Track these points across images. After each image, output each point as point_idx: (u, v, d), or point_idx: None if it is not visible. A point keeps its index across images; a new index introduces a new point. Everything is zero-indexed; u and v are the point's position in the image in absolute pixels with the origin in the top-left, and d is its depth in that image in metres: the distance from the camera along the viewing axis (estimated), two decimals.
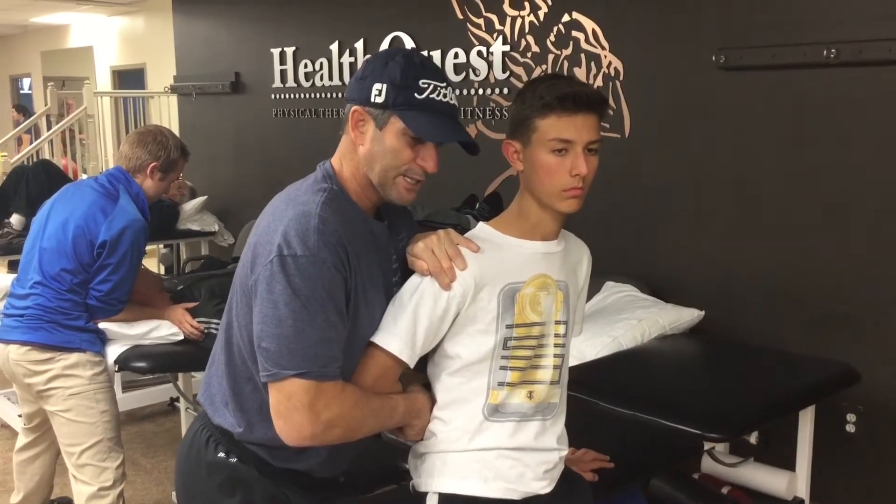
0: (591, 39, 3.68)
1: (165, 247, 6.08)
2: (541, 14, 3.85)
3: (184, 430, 3.72)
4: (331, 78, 4.94)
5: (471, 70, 4.16)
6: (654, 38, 3.48)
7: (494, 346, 1.56)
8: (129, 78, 10.13)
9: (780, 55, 3.03)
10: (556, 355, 1.62)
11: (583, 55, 3.71)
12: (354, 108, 1.55)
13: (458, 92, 4.12)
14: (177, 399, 4.33)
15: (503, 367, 1.57)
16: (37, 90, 12.41)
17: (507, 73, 4.03)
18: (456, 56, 4.21)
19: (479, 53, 4.12)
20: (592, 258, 1.76)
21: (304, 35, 5.13)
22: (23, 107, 11.76)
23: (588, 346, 2.89)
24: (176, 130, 5.13)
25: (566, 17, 3.75)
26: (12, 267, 5.40)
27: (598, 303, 3.30)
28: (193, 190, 5.64)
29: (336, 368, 1.47)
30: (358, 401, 1.51)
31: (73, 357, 2.80)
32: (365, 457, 1.73)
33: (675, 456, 2.50)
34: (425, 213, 3.43)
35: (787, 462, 2.74)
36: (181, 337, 3.11)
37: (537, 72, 3.88)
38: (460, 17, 4.19)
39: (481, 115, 4.14)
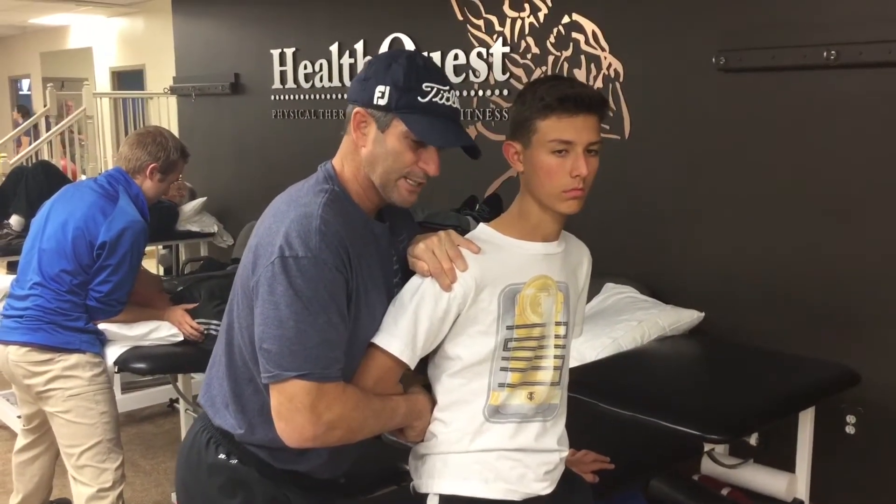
0: (591, 41, 3.68)
1: (165, 248, 6.08)
2: (541, 15, 3.85)
3: (183, 432, 3.72)
4: (331, 79, 4.94)
5: (471, 71, 4.16)
6: (654, 40, 3.48)
7: (495, 348, 1.56)
8: (128, 79, 10.13)
9: (780, 57, 3.03)
10: (556, 356, 1.63)
11: (583, 57, 3.71)
12: (357, 109, 1.55)
13: (458, 93, 4.14)
14: (176, 400, 4.33)
15: (504, 369, 1.58)
16: (36, 91, 12.40)
17: (507, 74, 4.03)
18: (456, 57, 4.21)
19: (479, 55, 4.12)
20: (592, 259, 1.76)
21: (303, 36, 5.13)
22: (23, 107, 11.75)
23: (588, 348, 2.89)
24: (175, 131, 5.13)
25: (566, 19, 3.75)
26: (11, 268, 5.39)
27: (598, 304, 3.30)
28: (193, 191, 5.63)
29: (337, 370, 1.47)
30: (359, 402, 1.51)
31: (73, 358, 2.80)
32: (366, 458, 1.73)
33: (674, 457, 2.50)
34: (425, 215, 3.43)
35: (786, 463, 2.74)
36: (181, 338, 3.11)
37: (537, 73, 3.88)
38: (460, 18, 4.19)
39: (481, 117, 4.14)
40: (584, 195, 1.56)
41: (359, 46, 4.76)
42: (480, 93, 4.15)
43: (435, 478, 1.61)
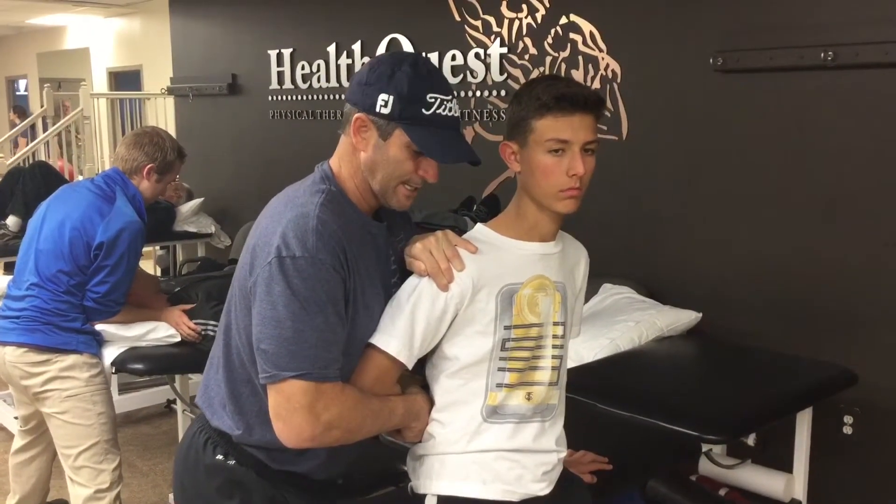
0: (589, 42, 3.68)
1: (162, 248, 6.08)
2: (538, 16, 3.85)
3: (181, 433, 3.72)
4: (328, 80, 4.94)
5: (468, 72, 4.16)
6: (652, 41, 3.48)
7: (492, 348, 1.56)
8: (125, 79, 10.11)
9: (778, 58, 3.04)
10: (554, 356, 1.63)
11: (580, 57, 3.71)
12: (358, 115, 1.54)
13: (455, 94, 4.14)
14: (173, 401, 4.33)
15: (501, 369, 1.57)
16: (33, 92, 12.38)
17: (505, 75, 4.03)
18: (453, 58, 4.21)
19: (477, 55, 4.12)
20: (590, 260, 1.76)
21: (301, 37, 5.13)
22: (20, 108, 11.73)
23: (586, 348, 2.89)
24: (172, 132, 5.13)
25: (564, 20, 3.75)
26: (8, 269, 5.39)
27: (596, 305, 3.30)
28: (190, 192, 5.63)
29: (335, 370, 1.47)
30: (357, 402, 1.51)
31: (70, 359, 2.80)
32: (363, 459, 1.73)
33: (672, 458, 2.50)
34: (423, 215, 3.42)
35: (784, 464, 2.74)
36: (178, 339, 3.10)
37: (535, 74, 3.88)
38: (458, 19, 4.19)
39: (479, 118, 4.14)
40: (580, 195, 1.57)
41: (356, 47, 4.76)
42: (478, 93, 4.15)
43: (433, 478, 1.61)
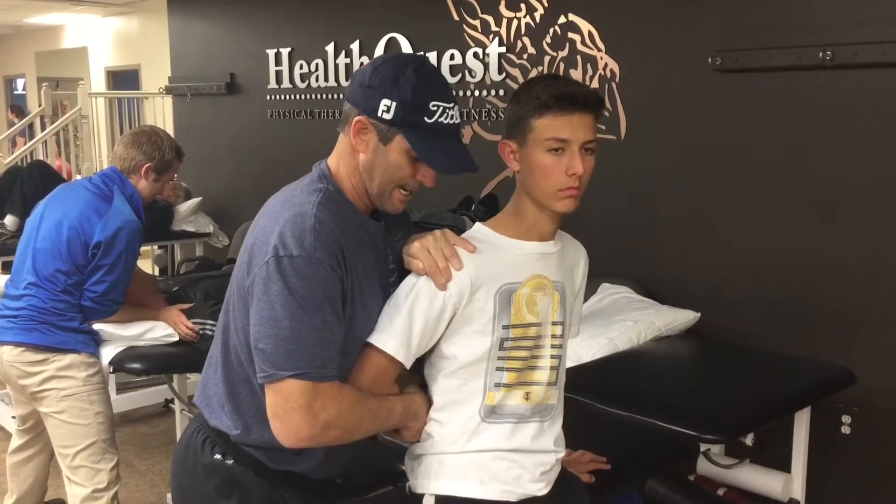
0: (588, 41, 3.68)
1: (160, 248, 6.07)
2: (537, 16, 3.85)
3: (178, 432, 3.72)
4: (326, 79, 4.94)
5: (467, 71, 4.16)
6: (651, 41, 3.48)
7: (491, 347, 1.56)
8: (123, 79, 10.12)
9: (776, 58, 3.04)
10: (552, 356, 1.62)
11: (579, 57, 3.71)
12: (358, 117, 1.53)
13: (454, 93, 4.14)
14: (171, 400, 4.33)
15: (500, 369, 1.57)
16: (31, 91, 12.38)
17: (504, 74, 4.03)
18: (452, 57, 4.21)
19: (476, 55, 4.12)
20: (589, 259, 1.76)
21: (299, 36, 5.12)
22: (18, 107, 11.72)
23: (584, 348, 2.89)
24: (171, 131, 5.11)
25: (562, 19, 3.75)
26: (6, 268, 5.38)
27: (595, 304, 3.30)
28: (188, 191, 5.62)
29: (333, 369, 1.47)
30: (355, 402, 1.51)
31: (68, 358, 2.79)
32: (362, 459, 1.73)
33: (671, 457, 2.50)
34: (421, 215, 3.42)
35: (782, 463, 2.74)
36: (176, 338, 3.10)
37: (533, 73, 3.87)
38: (456, 18, 4.18)
39: (477, 117, 4.13)
40: (579, 194, 1.56)
41: (355, 46, 4.75)
42: (476, 93, 4.15)
43: (431, 478, 1.60)
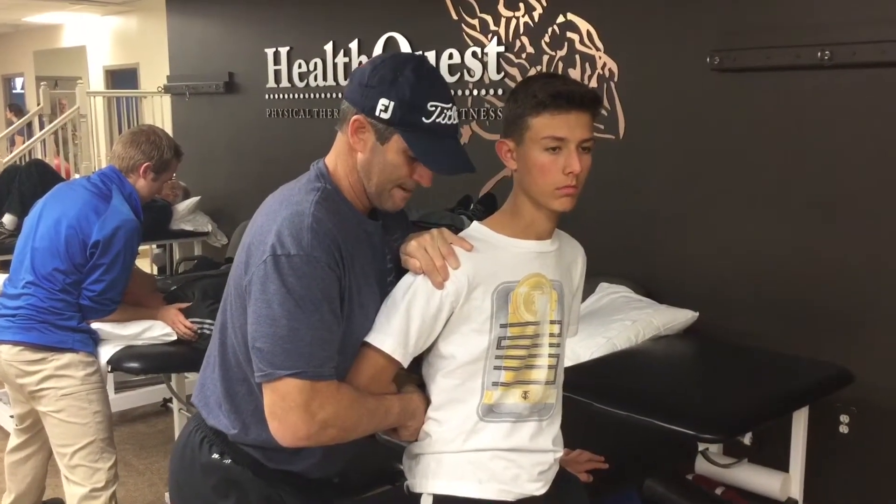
0: (586, 41, 3.68)
1: (158, 247, 6.07)
2: (535, 15, 3.85)
3: (177, 431, 3.71)
4: (325, 78, 4.93)
5: (465, 71, 4.16)
6: (649, 40, 3.48)
7: (488, 346, 1.56)
8: (122, 78, 10.11)
9: (775, 57, 3.04)
10: (550, 355, 1.62)
11: (577, 56, 3.71)
12: (356, 116, 1.54)
13: (452, 93, 4.14)
14: (169, 400, 4.33)
15: (497, 367, 1.57)
16: (29, 90, 12.37)
17: (502, 73, 4.02)
18: (450, 57, 4.21)
19: (474, 54, 4.12)
20: (587, 259, 1.76)
21: (298, 35, 5.12)
22: (16, 106, 11.71)
23: (582, 347, 2.89)
24: (169, 130, 5.12)
25: (561, 19, 3.75)
26: (4, 267, 5.37)
27: (593, 304, 3.30)
28: (187, 190, 5.62)
29: (331, 368, 1.47)
30: (353, 401, 1.51)
31: (66, 357, 2.79)
32: (359, 458, 1.73)
33: (669, 457, 2.51)
34: (419, 214, 3.42)
35: (780, 463, 2.74)
36: (174, 337, 3.10)
37: (532, 73, 3.87)
38: (455, 17, 4.18)
39: (476, 116, 4.13)
40: (577, 192, 1.56)
41: (353, 46, 4.75)
42: (475, 92, 4.15)
43: (429, 478, 1.60)
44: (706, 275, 3.35)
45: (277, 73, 5.23)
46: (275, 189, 1.62)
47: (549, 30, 3.80)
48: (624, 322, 3.03)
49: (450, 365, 1.58)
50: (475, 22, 4.11)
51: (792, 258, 3.12)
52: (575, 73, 3.69)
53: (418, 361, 1.63)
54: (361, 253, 1.55)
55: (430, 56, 4.24)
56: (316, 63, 4.96)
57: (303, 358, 1.43)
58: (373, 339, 1.54)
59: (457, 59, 4.19)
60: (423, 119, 1.51)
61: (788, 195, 3.11)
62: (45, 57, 11.94)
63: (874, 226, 2.92)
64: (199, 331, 3.09)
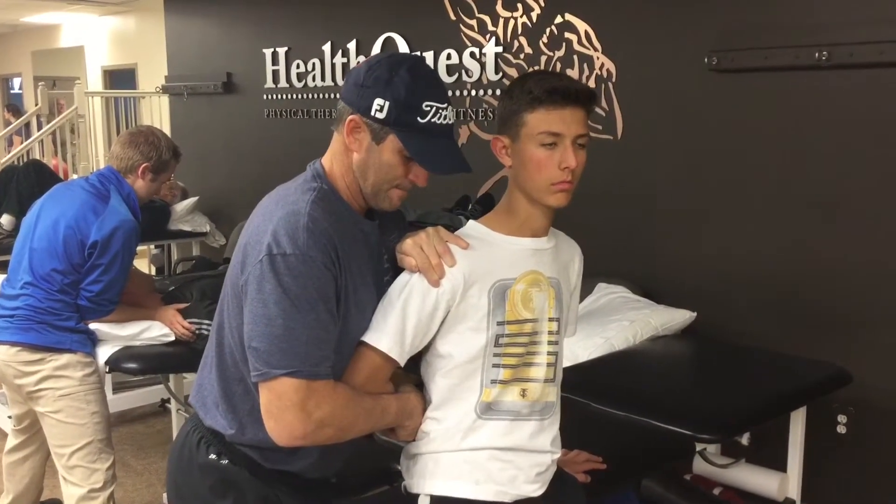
0: (584, 41, 3.68)
1: (156, 247, 6.07)
2: (533, 15, 3.85)
3: (175, 432, 3.71)
4: (323, 79, 4.94)
5: (463, 71, 4.16)
6: (647, 40, 3.48)
7: (486, 344, 1.56)
8: (120, 78, 10.11)
9: (772, 57, 3.04)
10: (549, 353, 1.62)
11: (575, 57, 3.71)
12: (352, 116, 1.54)
13: (450, 93, 4.13)
14: (168, 400, 4.32)
15: (496, 365, 1.57)
16: (27, 90, 12.37)
17: (500, 74, 4.02)
18: (448, 57, 4.21)
19: (472, 55, 4.12)
20: (585, 259, 1.76)
21: (296, 35, 5.12)
22: (14, 106, 11.71)
23: (580, 348, 2.90)
24: (167, 131, 5.12)
25: (559, 19, 3.76)
26: (2, 267, 5.37)
27: (591, 304, 3.31)
28: (185, 190, 5.62)
29: (327, 368, 1.47)
30: (350, 400, 1.51)
31: (64, 358, 2.79)
32: (357, 458, 1.72)
33: (666, 457, 2.50)
34: (417, 215, 3.42)
35: (778, 463, 2.75)
36: (172, 338, 3.10)
37: None
38: (453, 18, 4.18)
39: (474, 117, 4.13)
40: (572, 188, 1.57)
41: (351, 46, 4.75)
42: (473, 92, 4.15)
43: (426, 478, 1.60)
44: (704, 275, 3.36)
45: (276, 74, 5.24)
46: (272, 189, 1.62)
47: (548, 30, 3.80)
48: (622, 322, 3.03)
49: (448, 364, 1.58)
50: (473, 22, 4.11)
51: (789, 258, 3.12)
52: (573, 74, 3.69)
53: (416, 361, 1.63)
54: (358, 252, 1.55)
55: (429, 56, 4.24)
56: (314, 63, 4.97)
57: (299, 357, 1.43)
58: (369, 338, 1.54)
59: (455, 59, 4.19)
60: (419, 119, 1.51)
61: (786, 195, 3.11)
62: (43, 57, 11.93)
63: (872, 226, 2.92)
64: (197, 331, 3.09)
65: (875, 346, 2.92)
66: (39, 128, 7.48)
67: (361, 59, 4.65)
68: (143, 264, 5.80)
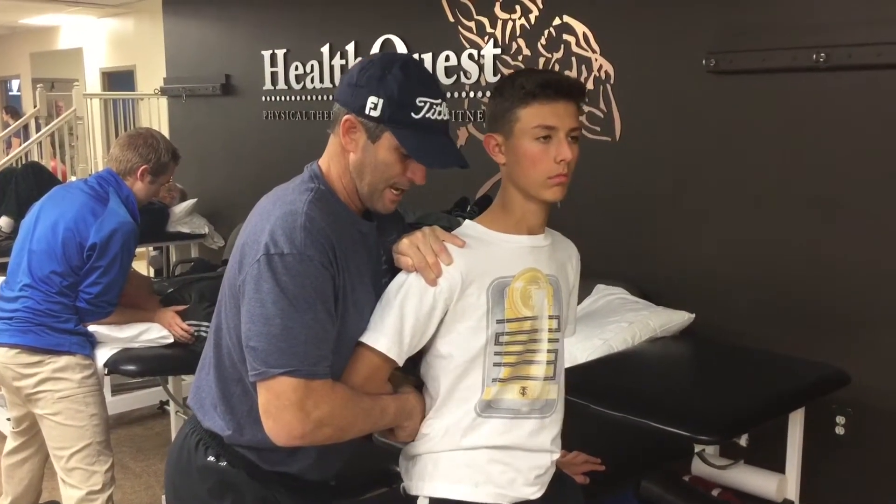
0: (582, 43, 3.68)
1: (155, 249, 6.06)
2: (532, 17, 3.86)
3: (173, 434, 3.71)
4: (321, 80, 4.94)
5: (462, 73, 4.16)
6: (645, 42, 3.48)
7: (486, 343, 1.56)
8: (118, 80, 10.10)
9: (770, 59, 3.04)
10: (549, 350, 1.62)
11: (574, 58, 3.71)
12: (347, 116, 1.54)
13: (448, 95, 4.15)
14: (166, 402, 4.32)
15: (497, 364, 1.57)
16: (26, 92, 12.35)
17: (499, 76, 4.02)
18: (447, 59, 4.21)
19: (471, 56, 4.12)
20: (583, 261, 1.76)
21: (294, 37, 5.12)
22: (12, 108, 11.70)
23: (579, 349, 2.90)
24: (166, 132, 5.12)
25: (557, 21, 3.76)
26: (1, 269, 5.37)
27: (589, 305, 3.31)
28: (183, 192, 5.62)
29: (325, 367, 1.47)
30: (348, 400, 1.51)
31: (63, 360, 2.79)
32: (356, 460, 1.72)
33: (665, 458, 2.51)
34: (416, 216, 3.42)
35: (776, 464, 2.75)
36: (171, 340, 3.10)
37: None
38: (451, 20, 4.19)
39: (472, 119, 4.14)
40: (567, 182, 1.58)
41: (350, 48, 4.75)
42: (471, 94, 4.15)
43: (425, 480, 1.60)
44: (702, 276, 3.36)
45: (274, 76, 5.24)
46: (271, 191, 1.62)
47: (546, 32, 3.81)
48: (620, 324, 3.04)
49: (449, 364, 1.58)
50: (472, 24, 4.11)
51: (787, 260, 3.12)
52: (571, 76, 3.69)
53: (415, 362, 1.63)
54: (356, 253, 1.55)
55: (427, 58, 4.25)
56: (312, 65, 4.97)
57: (297, 357, 1.43)
58: (367, 338, 1.54)
59: (453, 61, 4.19)
60: (413, 114, 1.51)
61: (784, 197, 3.11)
62: (42, 59, 11.92)
63: (870, 227, 2.92)
64: (195, 333, 3.09)
65: (874, 347, 2.92)
66: (38, 130, 7.47)
67: (361, 62, 4.65)
68: (141, 266, 5.80)
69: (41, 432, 2.87)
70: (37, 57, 12.04)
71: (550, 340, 1.63)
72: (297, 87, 5.11)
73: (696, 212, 3.38)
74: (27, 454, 3.06)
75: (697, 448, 2.59)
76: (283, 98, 5.21)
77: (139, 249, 3.79)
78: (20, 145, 7.75)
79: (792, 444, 2.70)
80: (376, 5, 4.63)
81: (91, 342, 2.91)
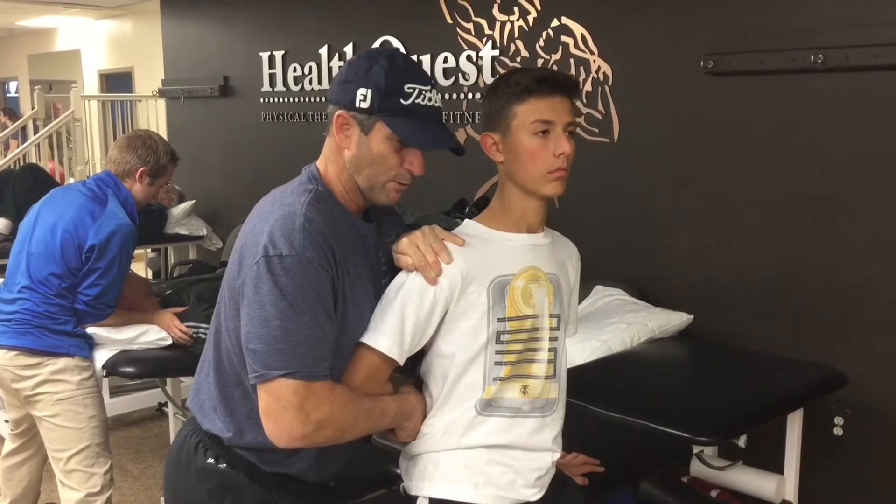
0: (580, 44, 3.69)
1: (153, 251, 6.06)
2: (530, 19, 3.86)
3: (172, 436, 3.71)
4: (320, 82, 4.94)
5: (460, 74, 4.17)
6: (643, 44, 3.49)
7: (487, 341, 1.55)
8: (116, 81, 10.10)
9: (768, 60, 3.05)
10: (549, 349, 1.62)
11: (572, 60, 3.72)
12: (339, 112, 1.55)
13: (447, 96, 4.15)
14: (165, 404, 4.32)
15: (498, 363, 1.57)
16: (24, 94, 12.36)
17: (497, 77, 4.02)
18: (445, 60, 4.22)
19: (469, 58, 4.13)
20: (581, 262, 1.76)
21: (293, 39, 5.12)
22: (10, 110, 11.69)
23: (577, 350, 2.90)
24: (164, 134, 5.11)
25: (555, 22, 3.76)
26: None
27: (588, 307, 3.31)
28: (182, 194, 5.62)
29: (325, 368, 1.47)
30: (348, 401, 1.50)
31: (61, 362, 2.79)
32: (356, 461, 1.73)
33: (664, 459, 2.50)
34: (414, 218, 3.42)
35: (775, 465, 2.75)
36: (169, 342, 3.10)
37: None
38: (450, 21, 4.19)
39: (470, 120, 4.14)
40: (566, 176, 1.58)
41: (348, 49, 4.76)
42: (470, 96, 4.16)
43: (425, 480, 1.60)
44: (701, 277, 3.36)
45: (272, 77, 5.24)
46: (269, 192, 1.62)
47: (544, 33, 3.81)
48: (619, 325, 3.04)
49: (450, 363, 1.57)
50: (470, 26, 4.12)
51: (785, 261, 3.13)
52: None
53: (415, 362, 1.63)
54: (355, 254, 1.55)
55: (425, 60, 4.25)
56: (311, 67, 4.97)
57: (297, 358, 1.43)
58: (367, 338, 1.54)
59: (451, 62, 4.20)
60: (402, 101, 1.52)
61: (782, 198, 3.12)
62: (40, 61, 11.92)
63: (868, 229, 2.93)
64: (194, 335, 3.09)
65: (871, 349, 2.93)
66: (36, 131, 7.46)
67: (348, 59, 4.65)
68: (140, 268, 5.80)
69: (40, 434, 2.87)
70: (35, 58, 12.04)
71: (551, 339, 1.63)
72: (295, 88, 5.11)
73: (694, 213, 3.39)
74: (26, 456, 3.05)
75: (696, 449, 2.59)
76: (281, 100, 5.21)
77: (137, 251, 3.78)
78: (18, 147, 7.75)
79: (790, 444, 2.70)
80: (374, 7, 4.64)
81: (90, 344, 2.91)
